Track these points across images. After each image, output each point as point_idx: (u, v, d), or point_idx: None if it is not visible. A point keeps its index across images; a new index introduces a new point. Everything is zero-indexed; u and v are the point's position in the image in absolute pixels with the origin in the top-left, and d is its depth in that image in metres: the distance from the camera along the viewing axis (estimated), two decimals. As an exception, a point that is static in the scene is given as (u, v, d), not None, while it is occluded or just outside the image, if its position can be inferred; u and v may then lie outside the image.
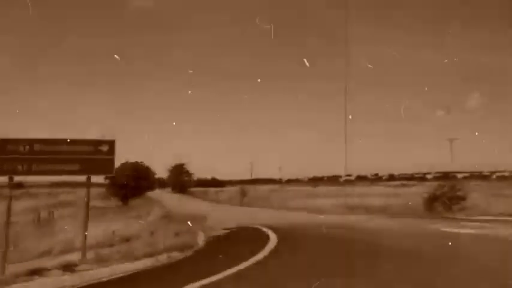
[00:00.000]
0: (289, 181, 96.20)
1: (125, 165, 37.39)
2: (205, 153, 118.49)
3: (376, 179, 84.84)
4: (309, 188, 69.76)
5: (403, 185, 64.26)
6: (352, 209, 25.19)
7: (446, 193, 18.34)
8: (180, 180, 64.69)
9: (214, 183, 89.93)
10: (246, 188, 36.46)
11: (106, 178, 38.63)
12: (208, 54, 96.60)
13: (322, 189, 62.68)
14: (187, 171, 65.64)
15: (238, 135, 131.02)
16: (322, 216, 19.45)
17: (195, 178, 76.62)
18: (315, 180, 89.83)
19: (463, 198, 18.24)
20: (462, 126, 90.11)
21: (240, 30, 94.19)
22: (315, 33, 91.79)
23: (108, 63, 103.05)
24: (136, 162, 38.66)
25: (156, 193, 59.52)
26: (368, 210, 23.33)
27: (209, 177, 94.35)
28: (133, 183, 36.59)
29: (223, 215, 22.48)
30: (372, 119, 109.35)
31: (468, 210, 17.84)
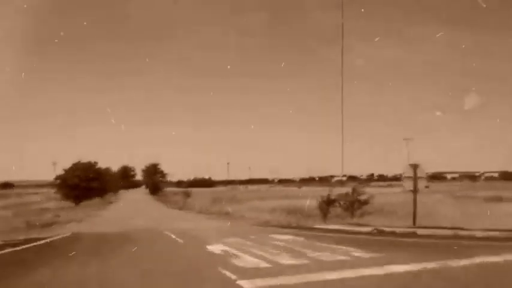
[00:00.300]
0: (281, 181, 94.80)
1: (77, 165, 36.33)
2: (205, 154, 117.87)
3: (367, 179, 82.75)
4: (294, 189, 68.62)
5: (389, 186, 63.12)
6: (289, 213, 24.17)
7: (346, 197, 16.81)
8: (154, 180, 63.49)
9: (207, 183, 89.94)
10: (188, 191, 36.78)
11: (56, 178, 37.74)
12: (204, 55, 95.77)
13: (304, 190, 61.53)
14: (161, 172, 64.45)
15: (237, 136, 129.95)
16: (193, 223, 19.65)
17: (192, 178, 75.91)
18: (307, 181, 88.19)
19: (365, 203, 16.65)
20: (460, 127, 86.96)
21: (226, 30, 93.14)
22: (308, 32, 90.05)
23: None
24: (89, 162, 37.21)
25: (126, 193, 58.58)
26: (302, 213, 22.42)
27: (207, 177, 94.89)
28: (84, 184, 35.44)
29: (127, 218, 23.47)
30: (371, 119, 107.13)
31: (369, 215, 16.25)
